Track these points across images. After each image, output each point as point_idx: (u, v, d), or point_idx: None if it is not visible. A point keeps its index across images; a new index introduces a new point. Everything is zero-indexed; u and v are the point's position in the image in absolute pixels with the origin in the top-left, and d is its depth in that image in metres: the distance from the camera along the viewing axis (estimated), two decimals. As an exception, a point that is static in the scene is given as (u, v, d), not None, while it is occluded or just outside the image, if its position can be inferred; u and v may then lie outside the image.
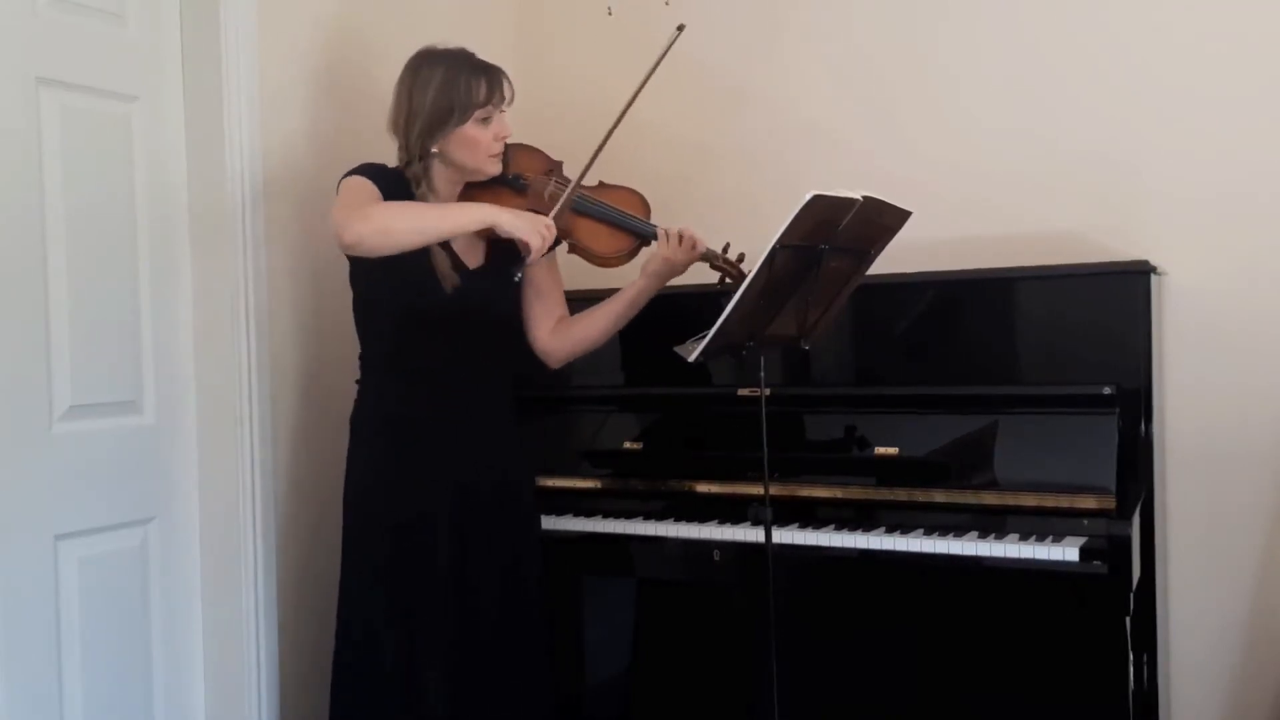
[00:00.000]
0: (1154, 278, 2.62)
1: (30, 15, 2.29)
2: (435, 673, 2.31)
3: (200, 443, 2.62)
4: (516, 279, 2.29)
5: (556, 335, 2.54)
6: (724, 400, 2.78)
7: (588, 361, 3.07)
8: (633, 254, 2.50)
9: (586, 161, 2.39)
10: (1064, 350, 2.64)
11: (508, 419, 2.50)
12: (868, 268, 2.34)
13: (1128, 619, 2.37)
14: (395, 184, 2.35)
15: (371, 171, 2.34)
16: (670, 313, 2.94)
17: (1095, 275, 2.64)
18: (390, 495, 2.35)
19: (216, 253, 2.58)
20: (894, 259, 2.43)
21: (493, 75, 2.37)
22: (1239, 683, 2.77)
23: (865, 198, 2.14)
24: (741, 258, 2.52)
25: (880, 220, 2.24)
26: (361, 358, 2.43)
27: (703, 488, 2.71)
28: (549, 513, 2.75)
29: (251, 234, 2.58)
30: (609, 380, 3.07)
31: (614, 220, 2.48)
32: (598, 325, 2.51)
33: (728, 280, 2.52)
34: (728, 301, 2.14)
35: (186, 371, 2.60)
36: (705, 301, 2.57)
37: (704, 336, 2.18)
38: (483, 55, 2.44)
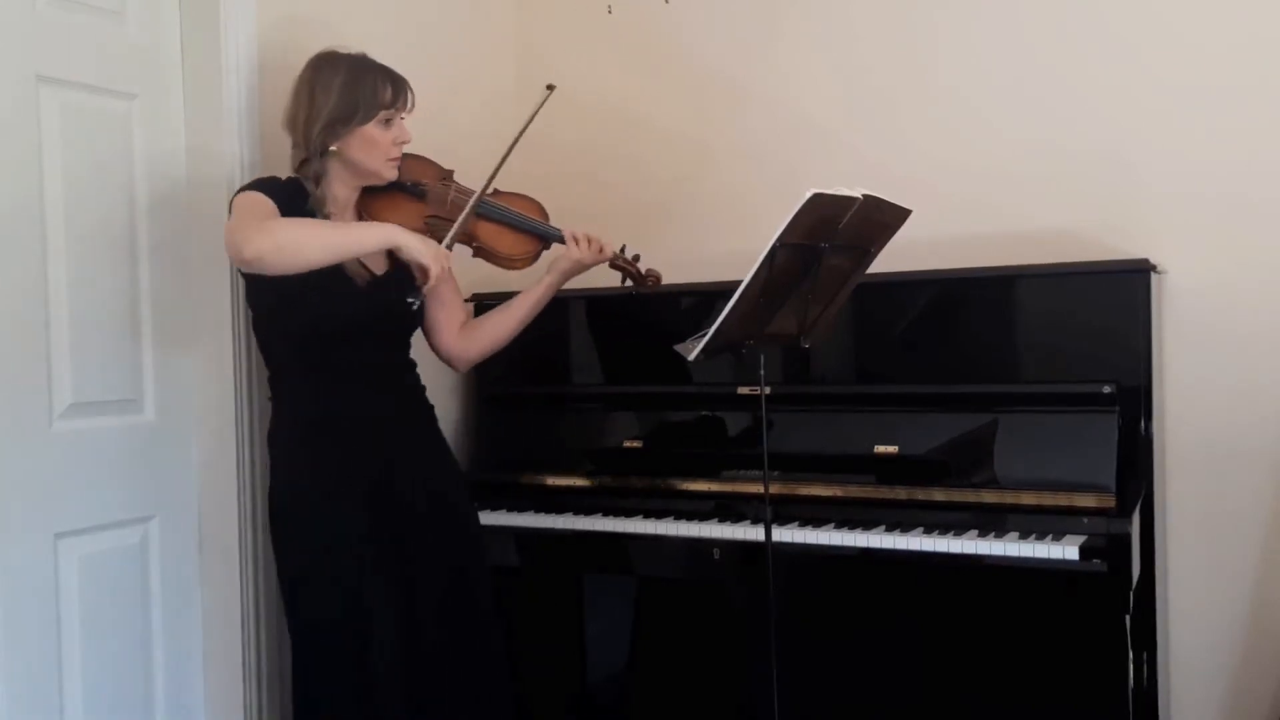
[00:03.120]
0: (1154, 276, 2.62)
1: (30, 13, 2.29)
2: (389, 680, 2.27)
3: (200, 441, 2.62)
4: (415, 306, 2.26)
5: (463, 339, 2.55)
6: (724, 398, 2.78)
7: (588, 360, 3.08)
8: (536, 256, 2.53)
9: (489, 175, 2.40)
10: (1064, 349, 2.64)
11: (428, 422, 2.47)
12: (868, 266, 2.34)
13: (1127, 617, 2.37)
14: (292, 195, 2.32)
15: (266, 186, 2.31)
16: (672, 311, 2.96)
17: (1095, 274, 2.64)
18: (314, 507, 2.28)
19: (216, 251, 2.58)
20: (894, 257, 2.43)
21: (398, 80, 2.35)
22: (1239, 681, 2.77)
23: (865, 196, 2.14)
24: (637, 258, 2.59)
25: (880, 218, 2.24)
26: (271, 372, 2.38)
27: (703, 486, 2.71)
28: (549, 511, 2.75)
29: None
30: (609, 378, 3.07)
31: (517, 224, 2.50)
32: (505, 326, 2.54)
33: (628, 282, 2.59)
34: (729, 300, 2.14)
35: (186, 370, 2.60)
36: (706, 300, 2.57)
37: (704, 335, 2.18)
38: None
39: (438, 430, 2.49)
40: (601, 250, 2.52)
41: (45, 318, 2.31)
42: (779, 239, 2.09)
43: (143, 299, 2.52)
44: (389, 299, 2.33)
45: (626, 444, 2.85)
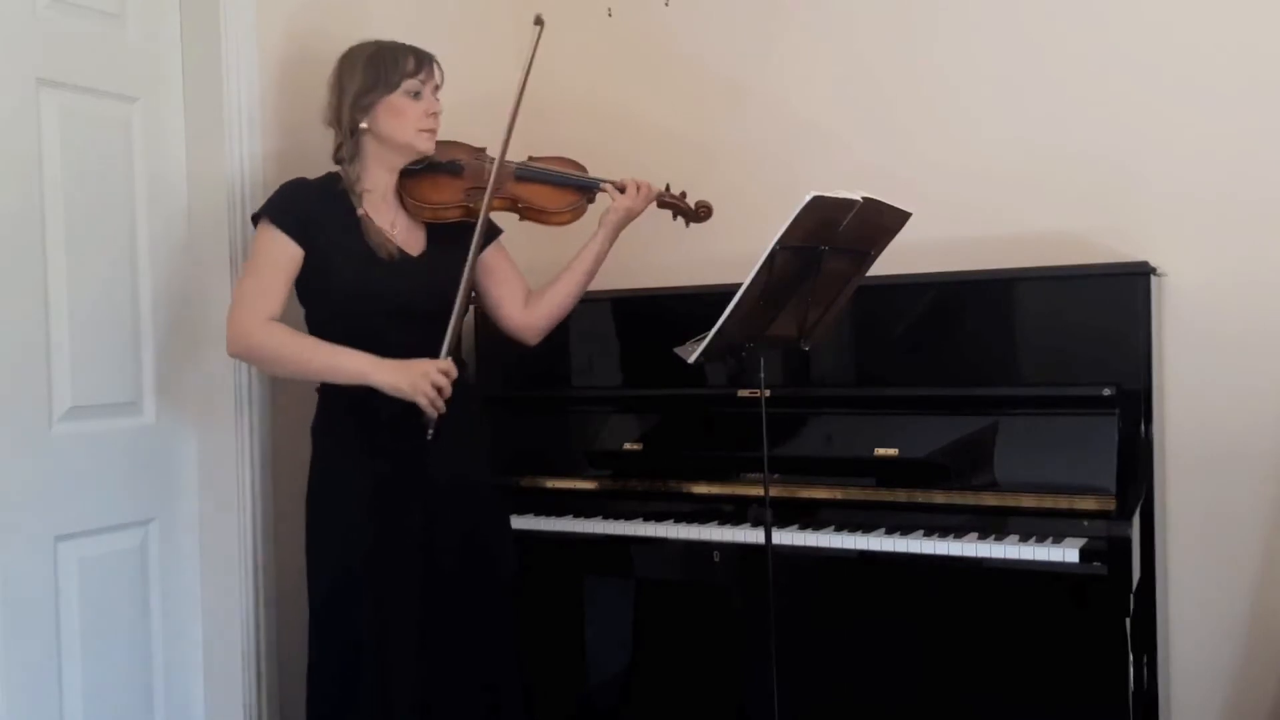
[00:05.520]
0: (1154, 278, 2.62)
1: (30, 16, 2.29)
2: (403, 670, 2.29)
3: (200, 443, 2.62)
4: (429, 435, 2.25)
5: (530, 310, 2.53)
6: (724, 401, 2.78)
7: (588, 362, 3.08)
8: (580, 210, 2.51)
9: (505, 139, 2.40)
10: (1064, 351, 2.64)
11: (470, 411, 2.45)
12: (868, 269, 2.34)
13: (1128, 620, 2.37)
14: (320, 195, 2.34)
15: (286, 207, 2.30)
16: (671, 314, 2.95)
17: (1095, 276, 2.64)
18: (347, 495, 2.31)
19: (216, 253, 2.58)
20: (894, 259, 2.43)
21: (421, 53, 2.38)
22: (1239, 683, 2.77)
23: (865, 199, 2.14)
24: (684, 195, 2.56)
25: (880, 221, 2.24)
26: None
27: (703, 489, 2.71)
28: (550, 514, 2.75)
29: (251, 234, 2.58)
30: (609, 381, 3.07)
31: (557, 180, 2.51)
32: (569, 288, 2.51)
33: (679, 218, 2.56)
34: (728, 302, 2.14)
35: (186, 371, 2.60)
36: (705, 303, 2.57)
37: (704, 337, 2.18)
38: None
39: (477, 419, 2.47)
40: (648, 192, 2.49)
41: (45, 320, 2.31)
42: (779, 241, 2.09)
43: (143, 301, 2.52)
44: (426, 280, 2.33)
45: (627, 446, 2.85)
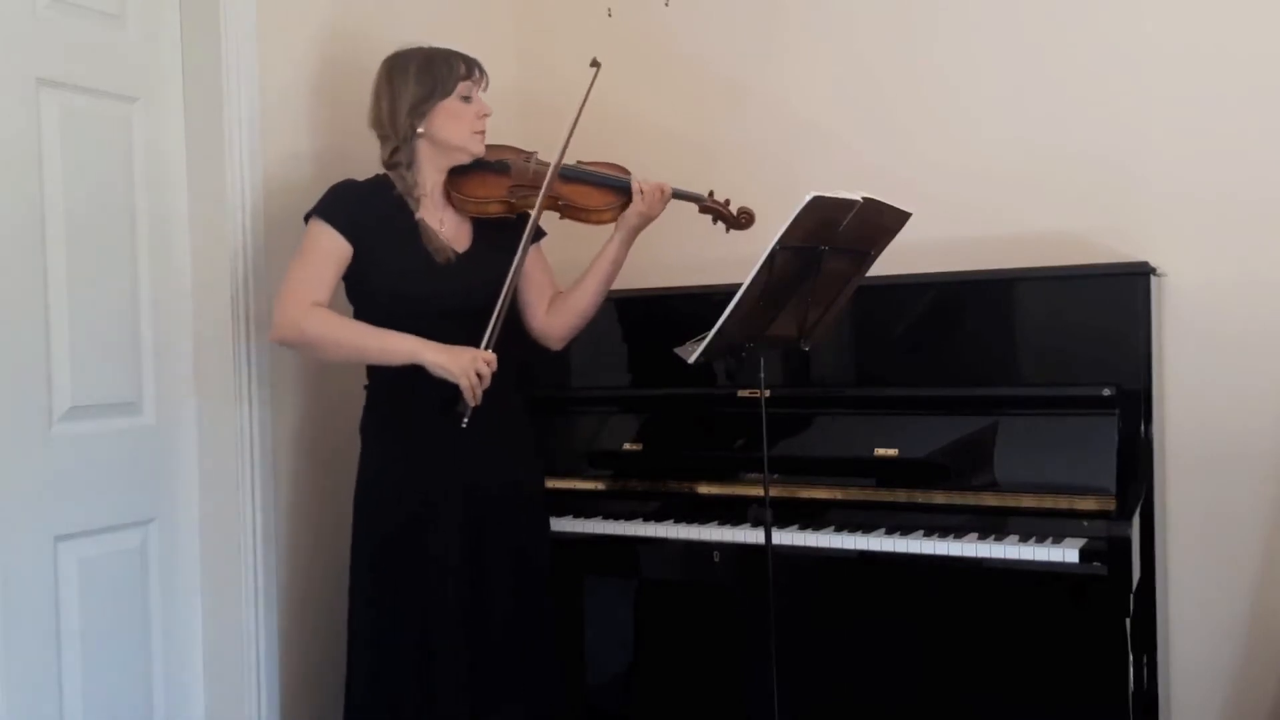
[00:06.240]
0: (1154, 279, 2.62)
1: (30, 16, 2.29)
2: (451, 667, 2.30)
3: (200, 443, 2.62)
4: (464, 424, 2.26)
5: (553, 313, 2.55)
6: (724, 401, 2.78)
7: (588, 362, 3.08)
8: (623, 208, 2.52)
9: (560, 150, 2.43)
10: (1064, 351, 2.64)
11: (517, 411, 2.49)
12: (868, 269, 2.34)
13: (1128, 620, 2.37)
14: (370, 198, 2.37)
15: (338, 206, 2.35)
16: (671, 314, 2.95)
17: (1095, 276, 2.64)
18: (397, 489, 2.35)
19: (216, 253, 2.58)
20: (894, 260, 2.43)
21: (469, 58, 2.43)
22: (1239, 683, 2.77)
23: (865, 199, 2.15)
24: (728, 202, 2.57)
25: (880, 221, 2.24)
26: (368, 366, 2.43)
27: (703, 489, 2.71)
28: (550, 514, 2.75)
29: (251, 234, 2.59)
30: (609, 381, 3.07)
31: (599, 180, 2.52)
32: (588, 292, 2.52)
33: (719, 224, 2.58)
34: (728, 303, 2.14)
35: (186, 371, 2.60)
36: (705, 303, 2.57)
37: (704, 338, 2.18)
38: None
39: (522, 418, 2.50)
40: (664, 194, 2.48)
41: (45, 320, 2.31)
42: (779, 242, 2.09)
43: (143, 301, 2.52)
44: (473, 278, 2.36)
45: (627, 446, 2.85)
